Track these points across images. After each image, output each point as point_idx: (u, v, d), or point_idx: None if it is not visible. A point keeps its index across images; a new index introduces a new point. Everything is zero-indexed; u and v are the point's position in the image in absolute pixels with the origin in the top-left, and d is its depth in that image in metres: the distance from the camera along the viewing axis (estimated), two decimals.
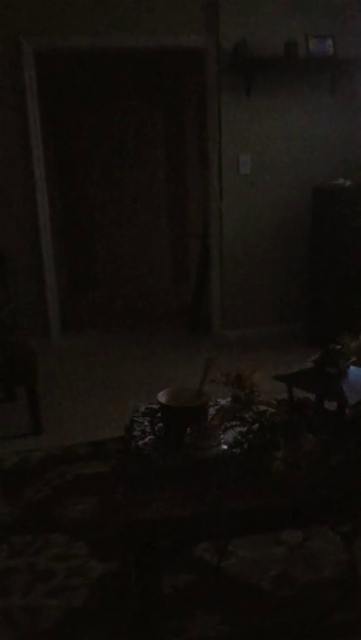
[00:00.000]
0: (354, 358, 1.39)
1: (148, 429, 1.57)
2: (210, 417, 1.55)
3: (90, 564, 1.92)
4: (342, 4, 4.10)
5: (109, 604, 1.75)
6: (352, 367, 1.37)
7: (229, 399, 1.66)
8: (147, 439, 1.53)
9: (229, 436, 1.44)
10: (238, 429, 1.47)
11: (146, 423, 1.60)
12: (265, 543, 1.99)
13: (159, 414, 1.57)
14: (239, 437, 1.40)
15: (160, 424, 1.55)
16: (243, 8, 4.01)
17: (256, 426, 1.43)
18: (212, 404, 1.62)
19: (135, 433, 1.57)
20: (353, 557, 1.71)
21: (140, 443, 1.51)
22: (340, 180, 4.09)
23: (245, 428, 1.45)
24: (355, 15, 4.12)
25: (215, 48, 4.06)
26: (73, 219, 5.86)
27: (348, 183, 4.08)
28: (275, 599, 1.76)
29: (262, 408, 1.51)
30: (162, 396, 1.53)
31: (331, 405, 1.41)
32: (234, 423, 1.54)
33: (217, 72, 4.11)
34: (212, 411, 1.59)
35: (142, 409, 1.70)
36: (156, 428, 1.54)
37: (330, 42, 4.05)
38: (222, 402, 1.68)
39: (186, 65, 5.15)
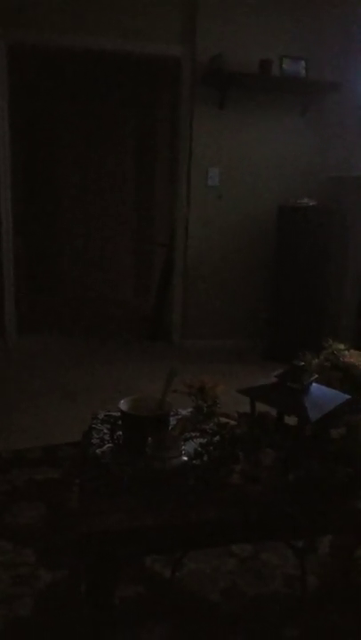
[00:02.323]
0: (316, 375, 1.41)
1: (106, 437, 1.54)
2: (170, 427, 1.54)
3: (38, 572, 1.87)
4: (315, 28, 4.21)
5: (57, 614, 1.71)
6: (314, 384, 1.38)
7: (190, 410, 1.66)
8: (105, 447, 1.50)
9: (190, 447, 1.44)
10: (199, 441, 1.47)
11: (105, 431, 1.58)
12: (216, 555, 1.98)
13: (119, 422, 1.55)
14: (199, 449, 1.40)
15: (120, 432, 1.53)
16: (221, 23, 4.06)
17: (217, 438, 1.42)
18: (172, 414, 1.61)
19: (93, 440, 1.54)
20: (305, 573, 1.72)
21: (97, 450, 1.49)
22: (305, 200, 4.17)
23: (206, 440, 1.44)
24: (326, 39, 4.23)
25: (191, 59, 4.10)
26: (36, 218, 5.77)
27: (312, 203, 4.17)
28: (224, 612, 1.75)
29: (223, 420, 1.51)
30: (123, 404, 1.51)
31: (291, 421, 1.43)
32: (194, 434, 1.54)
33: (191, 83, 4.15)
34: (172, 421, 1.58)
35: (101, 416, 1.68)
36: (115, 436, 1.52)
37: (303, 64, 4.15)
38: (183, 412, 1.68)
39: (161, 74, 5.17)
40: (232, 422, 1.48)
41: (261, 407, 1.44)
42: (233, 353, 4.44)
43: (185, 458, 1.36)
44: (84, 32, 3.94)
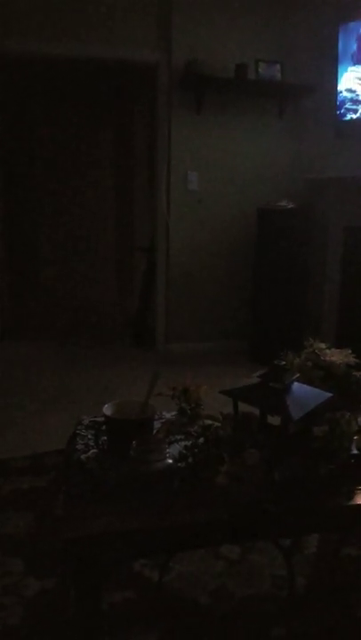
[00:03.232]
0: (298, 374, 1.42)
1: (91, 442, 1.54)
2: (155, 430, 1.54)
3: (26, 581, 1.86)
4: (290, 32, 4.26)
5: (46, 622, 1.69)
6: (296, 383, 1.40)
7: (174, 413, 1.66)
8: (90, 452, 1.50)
9: (174, 449, 1.44)
10: (183, 443, 1.47)
11: (89, 436, 1.57)
12: (204, 557, 1.99)
13: (104, 427, 1.55)
14: (184, 451, 1.40)
15: (104, 437, 1.53)
16: (196, 27, 4.10)
17: (201, 440, 1.43)
18: (156, 417, 1.61)
19: (78, 446, 1.54)
20: (292, 572, 1.73)
21: (82, 456, 1.48)
22: (284, 202, 4.21)
23: (190, 442, 1.45)
24: (301, 43, 4.28)
25: (167, 64, 4.13)
26: (17, 224, 5.75)
27: (291, 205, 4.20)
28: (213, 614, 1.75)
29: (208, 422, 1.52)
30: (107, 409, 1.51)
31: (274, 420, 1.44)
32: (179, 437, 1.54)
33: (168, 88, 4.17)
34: (156, 424, 1.58)
35: (86, 422, 1.67)
36: (100, 442, 1.52)
37: (278, 67, 4.20)
38: (167, 415, 1.68)
39: (138, 79, 5.19)
40: (216, 424, 1.49)
41: (245, 407, 1.45)
42: (217, 355, 4.45)
43: (170, 461, 1.36)
44: (60, 39, 3.94)
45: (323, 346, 1.64)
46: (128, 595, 1.79)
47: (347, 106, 3.94)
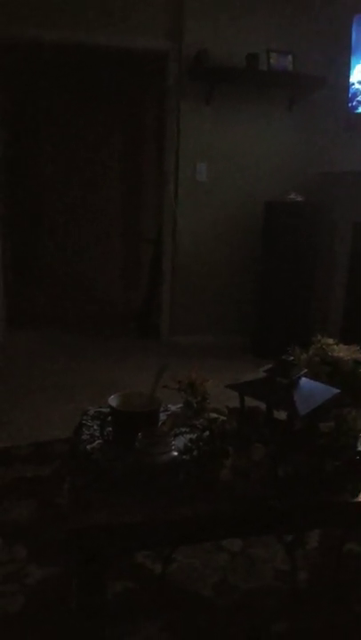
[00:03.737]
0: (305, 370, 1.41)
1: (96, 433, 1.54)
2: (160, 422, 1.54)
3: (28, 568, 1.87)
4: (302, 22, 4.21)
5: (48, 610, 1.70)
6: (303, 378, 1.39)
7: (180, 405, 1.66)
8: (95, 443, 1.50)
9: (180, 442, 1.44)
10: (188, 436, 1.47)
11: (95, 427, 1.57)
12: (206, 550, 1.99)
13: (109, 418, 1.54)
14: (189, 444, 1.40)
15: (110, 428, 1.53)
16: (208, 17, 4.05)
17: (206, 433, 1.43)
18: (162, 409, 1.61)
19: (83, 436, 1.54)
20: (295, 567, 1.74)
21: (88, 447, 1.48)
22: (293, 195, 4.18)
23: (196, 435, 1.44)
24: (314, 34, 4.23)
25: (178, 53, 4.09)
26: (22, 214, 5.73)
27: (299, 198, 4.18)
28: (215, 607, 1.76)
29: (213, 416, 1.51)
30: (113, 400, 1.51)
31: (280, 415, 1.43)
32: (184, 430, 1.54)
33: (178, 78, 4.13)
34: (162, 416, 1.58)
35: (92, 412, 1.67)
36: (105, 433, 1.52)
37: (290, 58, 4.16)
38: (173, 408, 1.68)
39: (148, 68, 5.15)
40: (222, 417, 1.48)
41: (251, 402, 1.45)
42: (222, 348, 4.44)
43: (175, 453, 1.36)
44: (70, 26, 3.91)
45: (330, 341, 1.63)
46: (130, 585, 1.80)
47: (359, 98, 3.90)
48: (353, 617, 1.74)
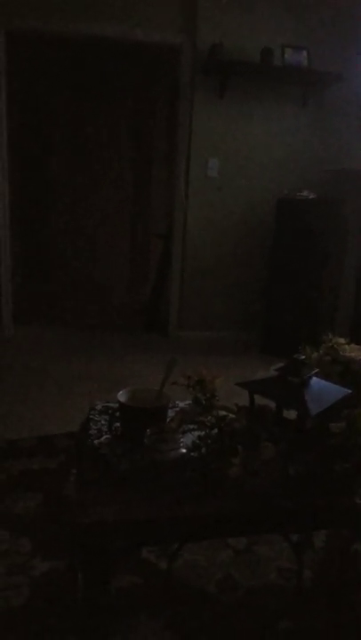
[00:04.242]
0: (317, 369, 1.40)
1: (104, 428, 1.53)
2: (169, 419, 1.53)
3: (33, 561, 1.87)
4: (318, 18, 4.17)
5: (53, 604, 1.70)
6: (314, 378, 1.37)
7: (188, 402, 1.65)
8: (103, 438, 1.49)
9: (188, 439, 1.43)
10: (197, 433, 1.46)
11: (103, 422, 1.57)
12: (211, 547, 1.99)
13: (117, 413, 1.54)
14: (198, 441, 1.39)
15: (117, 423, 1.52)
16: (222, 11, 4.02)
17: (215, 431, 1.42)
18: (170, 406, 1.60)
19: (91, 431, 1.53)
20: (301, 566, 1.73)
21: (95, 441, 1.48)
22: (305, 192, 4.15)
23: (204, 433, 1.43)
24: (329, 29, 4.19)
25: (192, 47, 4.06)
26: (31, 210, 5.72)
27: (311, 196, 4.15)
28: (219, 604, 1.76)
29: (222, 413, 1.50)
30: (121, 396, 1.50)
31: (290, 414, 1.42)
32: (192, 426, 1.53)
33: (191, 72, 4.11)
34: (170, 413, 1.57)
35: (99, 407, 1.66)
36: (113, 428, 1.51)
37: (304, 53, 4.12)
38: (181, 404, 1.67)
39: (160, 62, 5.12)
40: (231, 415, 1.47)
41: (260, 400, 1.44)
42: (229, 345, 4.43)
43: (183, 450, 1.35)
44: (84, 18, 3.89)
45: (342, 341, 1.61)
46: (134, 580, 1.80)
47: None
48: (357, 617, 1.73)
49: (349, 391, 1.39)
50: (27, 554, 1.91)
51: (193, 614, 1.71)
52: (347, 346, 1.59)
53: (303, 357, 1.38)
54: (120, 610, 1.67)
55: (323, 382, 1.39)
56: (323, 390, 1.36)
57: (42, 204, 5.89)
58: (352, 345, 1.59)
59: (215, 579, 1.85)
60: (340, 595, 1.82)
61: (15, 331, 4.42)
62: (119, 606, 1.69)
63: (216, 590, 1.80)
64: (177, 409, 1.62)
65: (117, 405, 1.51)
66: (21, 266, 5.24)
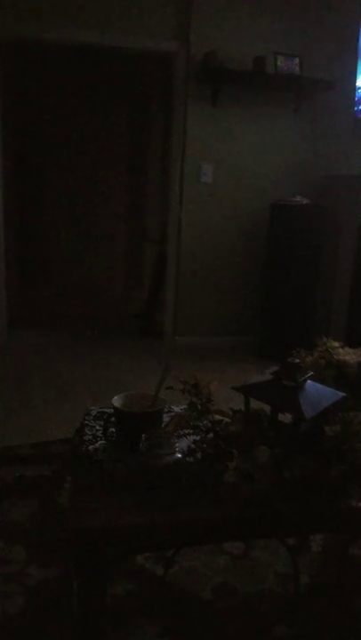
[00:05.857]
0: (311, 373, 1.40)
1: (99, 434, 1.53)
2: (164, 424, 1.53)
3: (28, 569, 1.85)
4: (310, 26, 4.21)
5: (48, 612, 1.69)
6: (309, 381, 1.37)
7: (184, 406, 1.64)
8: (98, 444, 1.49)
9: (183, 444, 1.42)
10: (192, 438, 1.46)
11: (98, 427, 1.56)
12: (208, 553, 1.98)
13: (112, 419, 1.53)
14: (193, 446, 1.39)
15: (112, 429, 1.52)
16: (216, 19, 4.05)
17: (210, 435, 1.41)
18: (166, 410, 1.60)
19: (86, 437, 1.53)
20: (298, 571, 1.72)
21: (90, 447, 1.47)
22: (298, 198, 4.17)
23: (199, 437, 1.43)
24: (321, 38, 4.23)
25: (185, 55, 4.08)
26: (27, 213, 5.73)
27: (305, 201, 4.17)
28: (216, 610, 1.75)
29: (218, 417, 1.50)
30: (116, 401, 1.49)
31: (285, 418, 1.42)
32: (188, 431, 1.53)
33: (185, 79, 4.13)
34: (166, 418, 1.57)
35: (94, 412, 1.66)
36: (108, 433, 1.50)
37: (297, 61, 4.15)
38: (176, 409, 1.66)
39: (154, 69, 5.15)
40: (226, 419, 1.47)
41: (255, 404, 1.43)
42: (225, 349, 4.43)
43: (178, 455, 1.34)
44: (77, 26, 3.91)
45: (336, 344, 1.61)
46: (130, 587, 1.79)
47: None
48: (355, 622, 1.72)
49: (344, 394, 1.39)
50: (21, 561, 1.89)
51: (189, 620, 1.70)
52: (341, 349, 1.59)
53: (298, 361, 1.38)
54: (116, 617, 1.66)
55: (317, 386, 1.39)
56: (317, 394, 1.36)
57: (37, 211, 5.90)
58: (346, 348, 1.60)
59: (212, 584, 1.84)
60: (337, 599, 1.81)
61: (10, 336, 4.40)
62: (115, 613, 1.68)
63: (213, 596, 1.79)
64: (172, 414, 1.62)
65: (112, 411, 1.51)
66: (17, 271, 5.22)
